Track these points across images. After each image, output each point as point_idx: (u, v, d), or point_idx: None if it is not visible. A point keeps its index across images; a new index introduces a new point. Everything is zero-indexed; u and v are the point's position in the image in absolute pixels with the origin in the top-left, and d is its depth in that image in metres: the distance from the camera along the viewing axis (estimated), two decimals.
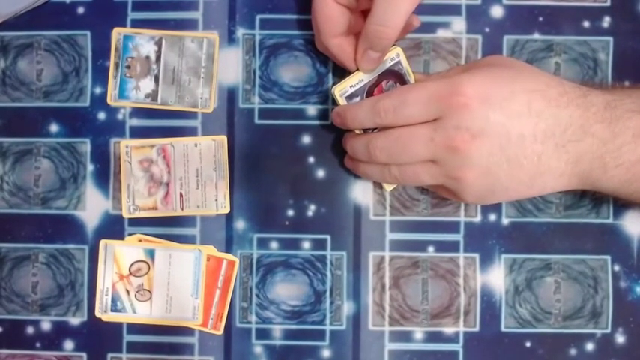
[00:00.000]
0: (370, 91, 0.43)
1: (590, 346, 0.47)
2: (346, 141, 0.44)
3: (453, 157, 0.38)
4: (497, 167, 0.38)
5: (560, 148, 0.38)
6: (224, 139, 0.47)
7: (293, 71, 0.48)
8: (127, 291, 0.47)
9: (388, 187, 0.46)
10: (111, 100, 0.48)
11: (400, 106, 0.39)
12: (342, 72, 0.47)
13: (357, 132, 0.43)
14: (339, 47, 0.43)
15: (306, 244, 0.47)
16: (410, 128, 0.40)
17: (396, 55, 0.43)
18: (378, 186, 0.47)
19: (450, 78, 0.39)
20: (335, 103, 0.43)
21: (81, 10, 0.48)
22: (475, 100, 0.37)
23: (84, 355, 0.47)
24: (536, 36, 0.47)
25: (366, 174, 0.44)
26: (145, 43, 0.48)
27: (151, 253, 0.47)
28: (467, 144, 0.38)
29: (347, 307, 0.47)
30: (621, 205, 0.47)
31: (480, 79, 0.38)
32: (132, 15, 0.48)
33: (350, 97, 0.43)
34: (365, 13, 0.41)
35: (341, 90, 0.43)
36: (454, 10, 0.48)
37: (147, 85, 0.48)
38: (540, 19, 0.47)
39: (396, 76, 0.44)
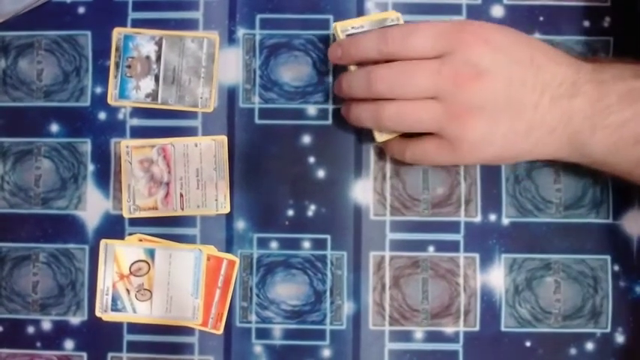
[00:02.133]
0: None
1: (590, 346, 0.47)
2: (342, 78, 0.43)
3: (458, 92, 0.39)
4: (498, 110, 0.39)
5: (554, 101, 0.39)
6: (224, 139, 0.48)
7: (293, 71, 0.48)
8: (128, 291, 0.47)
9: (380, 137, 0.43)
10: (111, 100, 0.48)
11: (408, 36, 0.40)
12: (341, 72, 0.47)
13: (352, 69, 0.43)
14: None
15: (307, 244, 0.47)
16: (416, 61, 0.40)
17: (395, 18, 0.43)
18: (379, 187, 0.47)
19: (460, 20, 0.41)
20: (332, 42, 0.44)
21: (81, 9, 0.48)
22: (483, 40, 0.39)
23: (84, 354, 0.48)
24: (537, 36, 0.47)
25: (358, 116, 0.42)
26: (145, 42, 0.48)
27: (151, 253, 0.47)
28: (473, 80, 0.38)
29: (347, 307, 0.47)
30: (622, 204, 0.47)
31: (487, 25, 0.40)
32: (132, 15, 0.48)
33: (350, 36, 0.43)
34: None
35: (343, 27, 0.43)
36: (454, 9, 0.48)
37: (147, 84, 0.48)
38: (541, 18, 0.48)
39: None
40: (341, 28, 0.43)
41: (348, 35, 0.43)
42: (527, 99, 0.39)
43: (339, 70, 0.47)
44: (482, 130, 0.39)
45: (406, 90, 0.40)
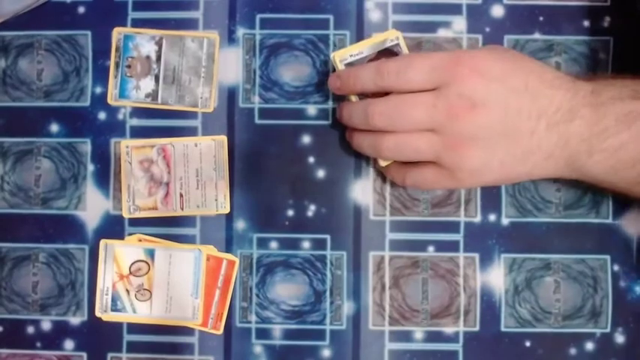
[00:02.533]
0: None
1: (589, 346, 0.47)
2: (342, 108, 0.44)
3: (454, 125, 0.39)
4: (494, 139, 0.39)
5: (550, 128, 0.39)
6: (224, 139, 0.47)
7: (293, 71, 0.48)
8: (127, 291, 0.47)
9: (383, 162, 0.44)
10: (111, 100, 0.48)
11: (404, 70, 0.40)
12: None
13: (353, 99, 0.43)
14: None
15: (306, 244, 0.47)
16: (411, 94, 0.40)
17: (395, 38, 0.44)
18: (378, 187, 0.47)
19: (454, 51, 0.41)
20: (332, 71, 0.44)
21: (81, 9, 0.48)
22: (478, 72, 0.39)
23: (84, 354, 0.48)
24: (537, 36, 0.47)
25: (360, 145, 0.43)
26: (145, 42, 0.48)
27: (151, 253, 0.47)
28: (468, 112, 0.39)
29: (347, 307, 0.47)
30: (621, 204, 0.47)
31: (482, 54, 0.40)
32: (132, 15, 0.48)
33: (348, 65, 0.43)
34: None
35: (341, 56, 0.43)
36: (455, 9, 0.48)
37: (147, 84, 0.48)
38: (541, 18, 0.48)
39: (394, 56, 0.44)
40: (339, 57, 0.43)
41: (347, 64, 0.43)
42: (524, 126, 0.39)
43: None
44: (479, 159, 0.40)
45: (403, 124, 0.40)
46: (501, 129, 0.39)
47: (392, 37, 0.44)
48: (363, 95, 0.43)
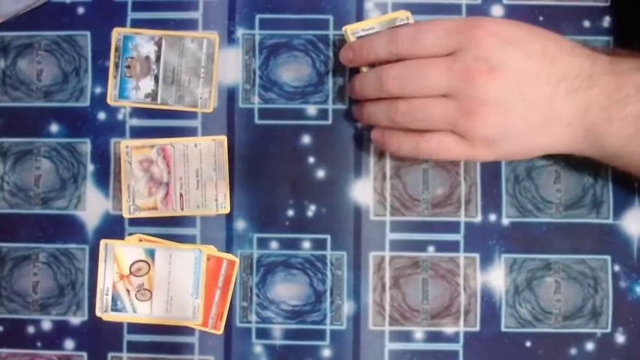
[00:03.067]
0: None
1: (590, 346, 0.47)
2: (354, 80, 0.43)
3: (470, 88, 0.38)
4: (512, 104, 0.38)
5: (570, 94, 0.38)
6: (224, 139, 0.47)
7: (293, 71, 0.48)
8: (128, 291, 0.47)
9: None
10: (111, 100, 0.48)
11: (418, 35, 0.40)
12: (341, 72, 0.47)
13: (365, 70, 0.43)
14: None
15: (307, 244, 0.47)
16: (427, 59, 0.39)
17: (405, 17, 0.43)
18: (379, 187, 0.47)
19: (469, 17, 0.40)
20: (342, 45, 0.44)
21: (81, 10, 0.48)
22: (494, 35, 0.38)
23: (84, 354, 0.48)
24: None
25: (370, 115, 0.43)
26: (144, 43, 0.48)
27: (151, 253, 0.47)
28: (485, 75, 0.38)
29: (347, 307, 0.47)
30: (622, 204, 0.47)
31: (498, 20, 0.40)
32: (132, 15, 0.48)
33: (360, 38, 0.43)
34: None
35: (353, 29, 0.43)
36: (454, 9, 0.48)
37: (147, 85, 0.48)
38: (540, 18, 0.47)
39: None
40: (351, 30, 0.43)
41: (359, 37, 0.43)
42: (542, 92, 0.38)
43: (340, 70, 0.47)
44: (496, 125, 0.39)
45: (417, 88, 0.39)
46: (519, 93, 0.38)
47: (402, 16, 0.43)
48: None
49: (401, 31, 0.40)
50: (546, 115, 0.39)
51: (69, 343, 0.48)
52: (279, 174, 0.48)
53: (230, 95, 0.48)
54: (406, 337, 0.47)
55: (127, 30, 0.48)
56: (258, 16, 0.48)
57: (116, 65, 0.48)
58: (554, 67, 0.38)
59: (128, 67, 0.48)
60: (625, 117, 0.38)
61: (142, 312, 0.47)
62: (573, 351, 0.47)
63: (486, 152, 0.40)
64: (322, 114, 0.48)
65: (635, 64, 0.39)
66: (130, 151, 0.48)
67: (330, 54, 0.48)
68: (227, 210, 0.47)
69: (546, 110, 0.39)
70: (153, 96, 0.48)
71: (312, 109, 0.48)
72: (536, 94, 0.38)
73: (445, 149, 0.40)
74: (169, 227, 0.48)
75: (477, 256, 0.47)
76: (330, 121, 0.48)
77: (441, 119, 0.39)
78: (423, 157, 0.42)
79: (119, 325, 0.47)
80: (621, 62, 0.39)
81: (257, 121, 0.48)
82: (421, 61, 0.40)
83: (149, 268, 0.47)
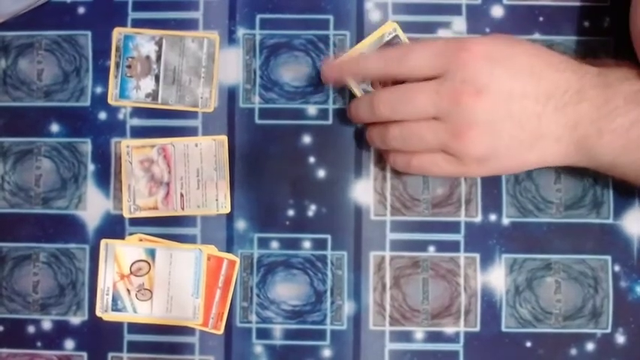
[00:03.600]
0: None
1: (590, 346, 0.47)
2: (350, 105, 0.44)
3: (458, 111, 0.39)
4: (500, 124, 0.39)
5: (559, 110, 0.39)
6: (224, 138, 0.48)
7: (293, 71, 0.48)
8: (128, 290, 0.47)
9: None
10: (111, 100, 0.48)
11: (406, 56, 0.40)
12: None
13: (358, 93, 0.44)
14: None
15: (307, 244, 0.47)
16: (415, 83, 0.40)
17: (392, 30, 0.44)
18: (379, 187, 0.47)
19: (457, 38, 0.40)
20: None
21: (81, 9, 0.48)
22: (480, 57, 0.39)
23: (84, 354, 0.48)
24: (537, 36, 0.47)
25: (370, 138, 0.44)
26: (145, 42, 0.48)
27: (151, 253, 0.47)
28: (472, 97, 0.38)
29: (347, 307, 0.47)
30: (622, 204, 0.47)
31: (484, 39, 0.40)
32: (132, 15, 0.48)
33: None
34: None
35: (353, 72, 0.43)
36: (454, 9, 0.48)
37: (147, 84, 0.48)
38: (541, 19, 0.47)
39: None
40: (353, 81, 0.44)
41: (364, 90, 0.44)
42: (530, 110, 0.39)
43: None
44: (485, 145, 0.39)
45: (407, 111, 0.40)
46: (507, 113, 0.39)
47: (389, 29, 0.43)
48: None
49: (388, 54, 0.41)
50: (535, 132, 0.39)
51: (69, 343, 0.48)
52: (280, 174, 0.48)
53: (231, 95, 0.48)
54: (406, 337, 0.47)
55: (128, 30, 0.48)
56: (258, 16, 0.48)
57: (117, 65, 0.48)
58: (542, 85, 0.39)
59: (129, 66, 0.48)
60: (615, 129, 0.38)
61: (143, 312, 0.47)
62: (573, 351, 0.47)
63: (478, 170, 0.41)
64: (322, 114, 0.48)
65: (622, 74, 0.39)
66: (130, 150, 0.48)
67: (331, 54, 0.48)
68: (227, 210, 0.47)
69: (535, 128, 0.39)
70: (153, 96, 0.48)
71: (312, 109, 0.48)
72: (524, 113, 0.39)
73: (437, 168, 0.41)
74: (170, 227, 0.48)
75: (477, 256, 0.47)
76: (330, 121, 0.48)
77: (432, 142, 0.40)
78: (415, 171, 0.43)
79: (119, 325, 0.47)
80: (609, 73, 0.39)
81: (257, 120, 0.48)
82: (410, 86, 0.40)
83: (149, 268, 0.47)
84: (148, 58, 0.48)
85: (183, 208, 0.47)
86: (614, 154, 0.39)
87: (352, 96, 0.45)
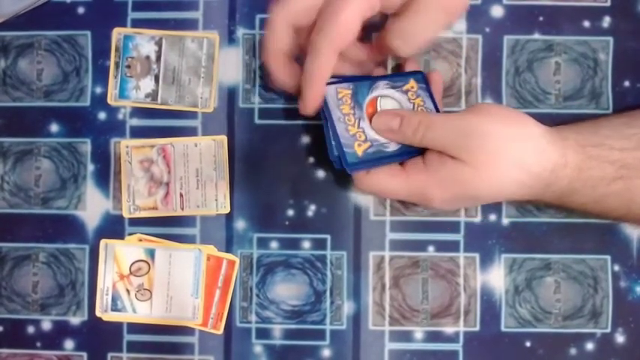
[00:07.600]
0: None
1: (590, 346, 0.47)
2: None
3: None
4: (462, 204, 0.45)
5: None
6: (224, 138, 0.48)
7: None
8: (128, 291, 0.47)
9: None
10: (111, 100, 0.48)
11: (379, 194, 0.44)
12: None
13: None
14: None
15: (306, 244, 0.47)
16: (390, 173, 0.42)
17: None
18: None
19: (421, 190, 0.41)
20: None
21: (81, 10, 0.48)
22: (444, 207, 0.42)
23: (84, 354, 0.48)
24: (537, 36, 0.47)
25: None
26: (145, 42, 0.48)
27: (151, 253, 0.47)
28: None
29: (347, 307, 0.47)
30: None
31: (447, 195, 0.40)
32: (132, 15, 0.48)
33: None
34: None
35: None
36: None
37: (147, 84, 0.48)
38: (540, 18, 0.47)
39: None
40: None
41: None
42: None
43: None
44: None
45: None
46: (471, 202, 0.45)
47: None
48: None
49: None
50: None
51: (69, 343, 0.48)
52: (279, 174, 0.48)
53: (230, 95, 0.48)
54: (406, 337, 0.47)
55: (128, 30, 0.48)
56: (258, 16, 0.48)
57: (116, 65, 0.48)
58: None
59: (128, 66, 0.48)
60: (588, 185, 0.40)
61: (142, 312, 0.47)
62: (573, 351, 0.47)
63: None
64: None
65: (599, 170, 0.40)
66: (130, 150, 0.48)
67: None
68: (227, 210, 0.47)
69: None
70: (153, 96, 0.48)
71: None
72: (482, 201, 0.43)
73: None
74: (169, 227, 0.48)
75: (476, 256, 0.47)
76: None
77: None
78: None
79: (119, 325, 0.47)
80: (584, 169, 0.40)
81: (257, 120, 0.48)
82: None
83: (149, 268, 0.47)
84: (147, 58, 0.48)
85: (182, 208, 0.47)
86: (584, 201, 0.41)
87: None
